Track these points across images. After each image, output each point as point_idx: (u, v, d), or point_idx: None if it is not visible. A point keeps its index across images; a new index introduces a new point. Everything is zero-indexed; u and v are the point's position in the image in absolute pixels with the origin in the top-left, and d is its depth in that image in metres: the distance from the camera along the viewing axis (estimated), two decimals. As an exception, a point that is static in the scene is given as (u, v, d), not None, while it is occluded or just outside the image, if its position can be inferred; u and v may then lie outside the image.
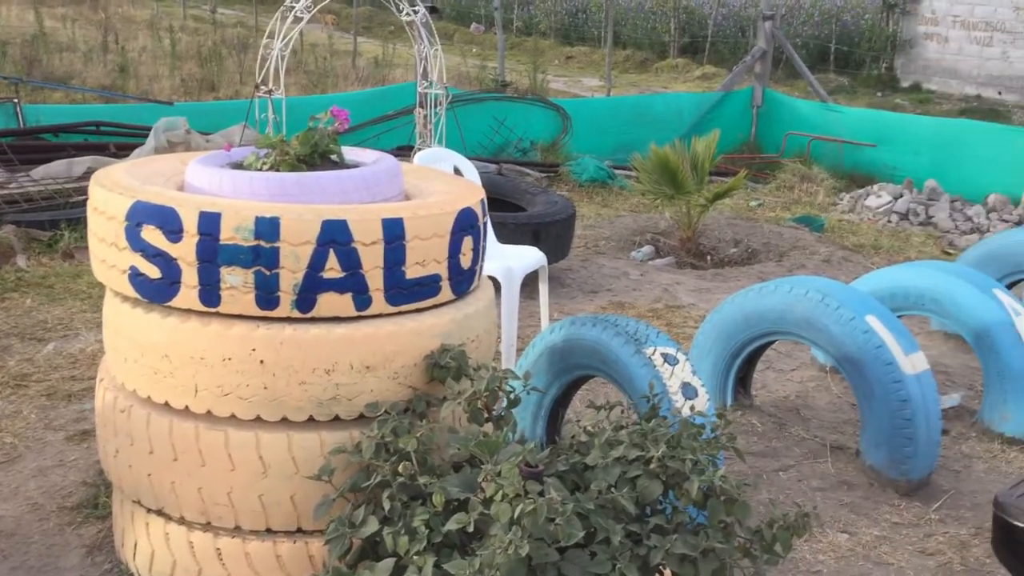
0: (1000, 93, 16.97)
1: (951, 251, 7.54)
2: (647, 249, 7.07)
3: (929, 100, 16.80)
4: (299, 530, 2.72)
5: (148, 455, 2.74)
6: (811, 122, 10.05)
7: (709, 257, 7.01)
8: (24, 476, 3.48)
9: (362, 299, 2.67)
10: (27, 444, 3.71)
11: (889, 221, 8.19)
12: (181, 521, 2.78)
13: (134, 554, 2.91)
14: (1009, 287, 5.03)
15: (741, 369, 4.30)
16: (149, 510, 2.83)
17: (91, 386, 4.05)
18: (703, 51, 19.91)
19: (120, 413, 2.82)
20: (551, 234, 5.81)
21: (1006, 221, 8.03)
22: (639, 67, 19.66)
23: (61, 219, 6.05)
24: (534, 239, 5.63)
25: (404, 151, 8.18)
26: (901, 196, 8.50)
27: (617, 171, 8.96)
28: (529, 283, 5.07)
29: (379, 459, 2.52)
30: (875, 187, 8.78)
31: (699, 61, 19.43)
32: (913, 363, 3.74)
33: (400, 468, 2.45)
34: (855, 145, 9.55)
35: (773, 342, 4.23)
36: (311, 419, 2.66)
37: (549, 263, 5.30)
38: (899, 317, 4.25)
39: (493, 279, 4.45)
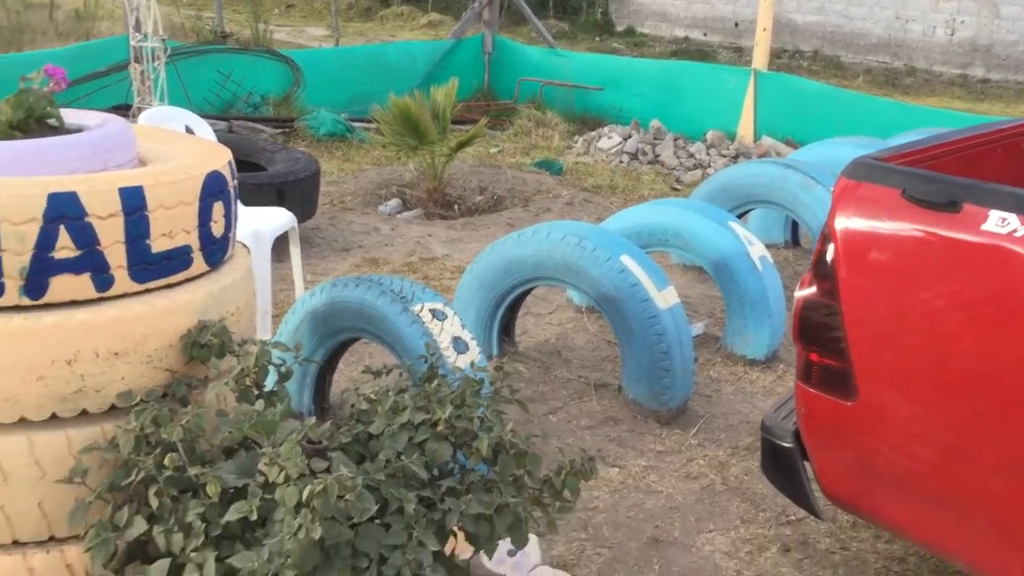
0: (705, 34, 18.11)
1: (678, 187, 7.97)
2: (394, 202, 6.96)
3: (643, 43, 17.67)
4: (52, 539, 2.44)
5: None
6: (541, 67, 10.25)
7: (457, 206, 7.00)
8: None
9: (103, 279, 2.39)
10: None
11: (621, 161, 8.52)
12: (-95, 547, 2.41)
13: None
14: (739, 218, 5.35)
15: (504, 317, 4.31)
16: None
17: None
18: (427, -1, 19.88)
19: None
20: (296, 193, 5.57)
21: (724, 156, 8.57)
22: (364, 15, 19.32)
23: None
24: (279, 199, 5.37)
25: (121, 110, 7.56)
26: (630, 137, 8.86)
27: (355, 124, 8.74)
28: (276, 245, 4.84)
29: (140, 453, 2.29)
30: (605, 129, 9.10)
31: (424, 8, 19.35)
32: (666, 298, 3.90)
33: (166, 460, 2.23)
34: (584, 89, 9.85)
35: (534, 288, 4.27)
36: (54, 416, 2.38)
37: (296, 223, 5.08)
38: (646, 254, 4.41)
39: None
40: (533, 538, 2.97)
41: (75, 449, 2.36)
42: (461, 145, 6.96)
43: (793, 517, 3.30)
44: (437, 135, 6.75)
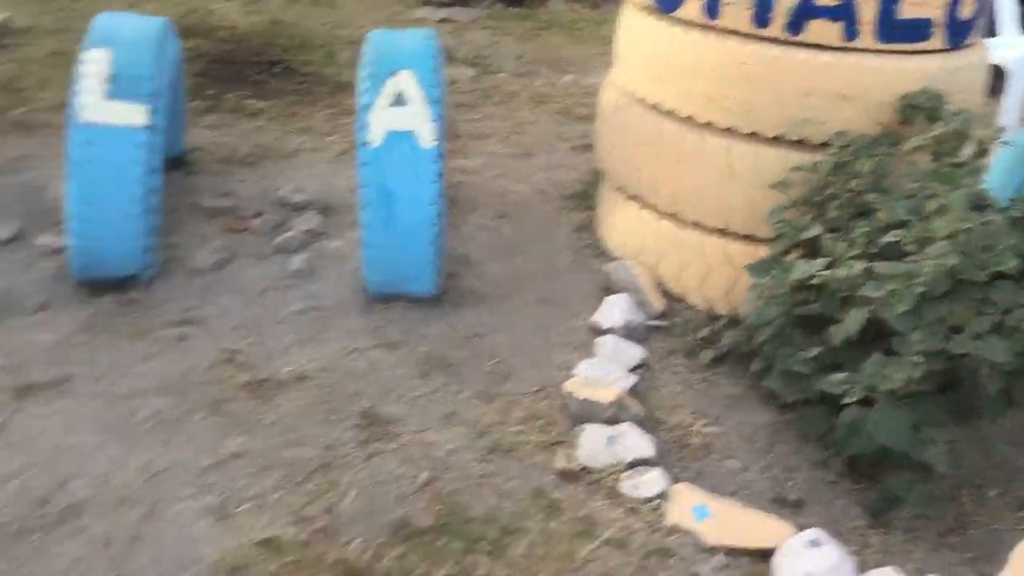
0: None
1: None
2: None
3: None
4: (749, 236, 3.02)
5: (637, 148, 3.18)
6: None
7: None
8: (535, 168, 4.15)
9: (851, 31, 2.79)
10: (541, 146, 4.39)
11: None
12: (653, 209, 3.21)
13: (611, 233, 3.43)
14: None
15: None
16: (628, 197, 3.30)
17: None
18: None
19: (619, 112, 3.27)
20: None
21: None
22: None
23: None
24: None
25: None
26: None
27: None
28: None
29: (835, 176, 2.71)
30: None
31: None
32: None
33: (852, 183, 2.63)
34: None
35: None
36: (778, 138, 2.90)
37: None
38: None
39: (1000, 68, 4.24)
40: None
41: (787, 167, 2.87)
42: None
43: None
44: None
